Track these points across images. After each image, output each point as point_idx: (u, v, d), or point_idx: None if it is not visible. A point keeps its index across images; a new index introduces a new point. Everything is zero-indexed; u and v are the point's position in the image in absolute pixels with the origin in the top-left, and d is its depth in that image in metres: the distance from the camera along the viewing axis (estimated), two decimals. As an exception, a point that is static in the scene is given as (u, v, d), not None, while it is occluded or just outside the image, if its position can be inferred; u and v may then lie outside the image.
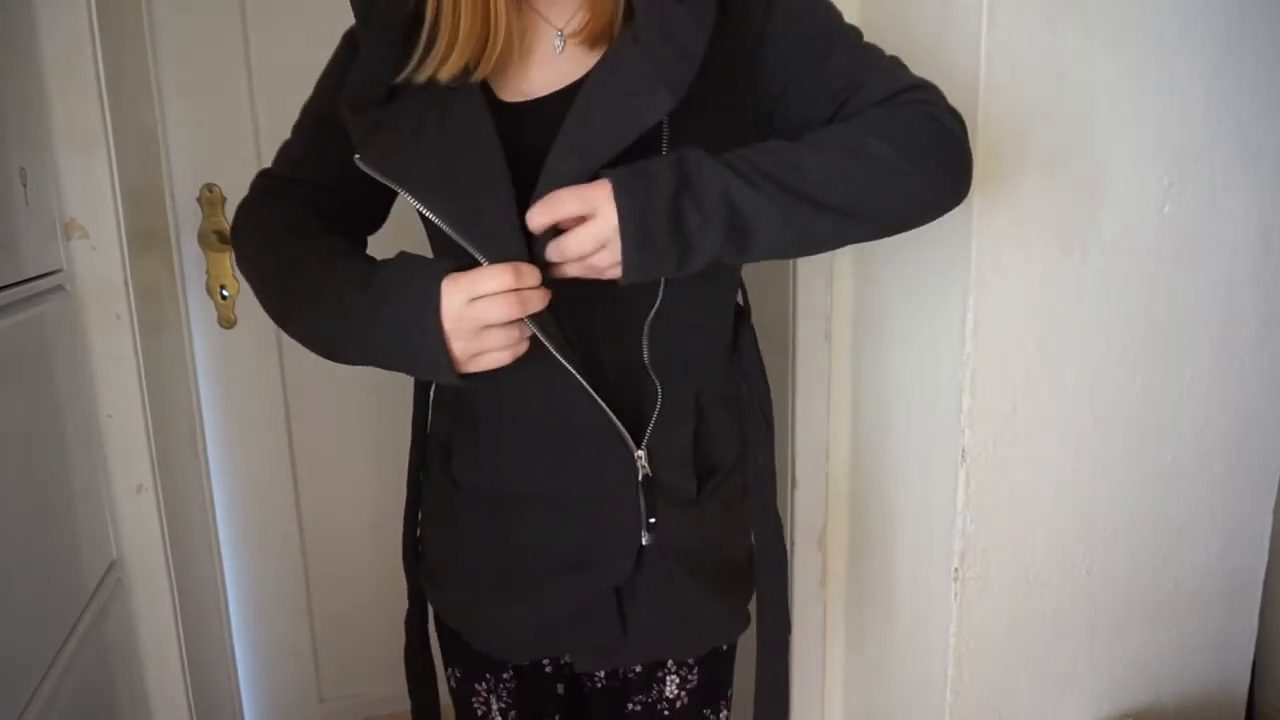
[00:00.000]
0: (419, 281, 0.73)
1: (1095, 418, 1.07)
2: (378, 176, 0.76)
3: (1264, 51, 1.02)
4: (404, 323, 0.73)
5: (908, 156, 0.73)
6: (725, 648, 1.00)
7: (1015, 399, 1.04)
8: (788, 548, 0.99)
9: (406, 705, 1.08)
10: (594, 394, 0.80)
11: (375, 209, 0.93)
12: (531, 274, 0.72)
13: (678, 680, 0.97)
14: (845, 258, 1.27)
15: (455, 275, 0.72)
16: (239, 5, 1.49)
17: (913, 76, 0.79)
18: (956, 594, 1.08)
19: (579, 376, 0.79)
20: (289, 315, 0.82)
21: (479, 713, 0.99)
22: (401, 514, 1.01)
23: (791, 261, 1.27)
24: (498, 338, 0.72)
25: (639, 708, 0.98)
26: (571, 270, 0.73)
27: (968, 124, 0.77)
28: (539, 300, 0.73)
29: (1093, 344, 1.05)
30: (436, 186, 0.75)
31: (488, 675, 0.98)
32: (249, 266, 0.86)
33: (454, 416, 0.92)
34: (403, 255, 0.77)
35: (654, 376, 0.85)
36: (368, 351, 0.77)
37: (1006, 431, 1.04)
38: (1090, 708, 1.17)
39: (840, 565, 1.38)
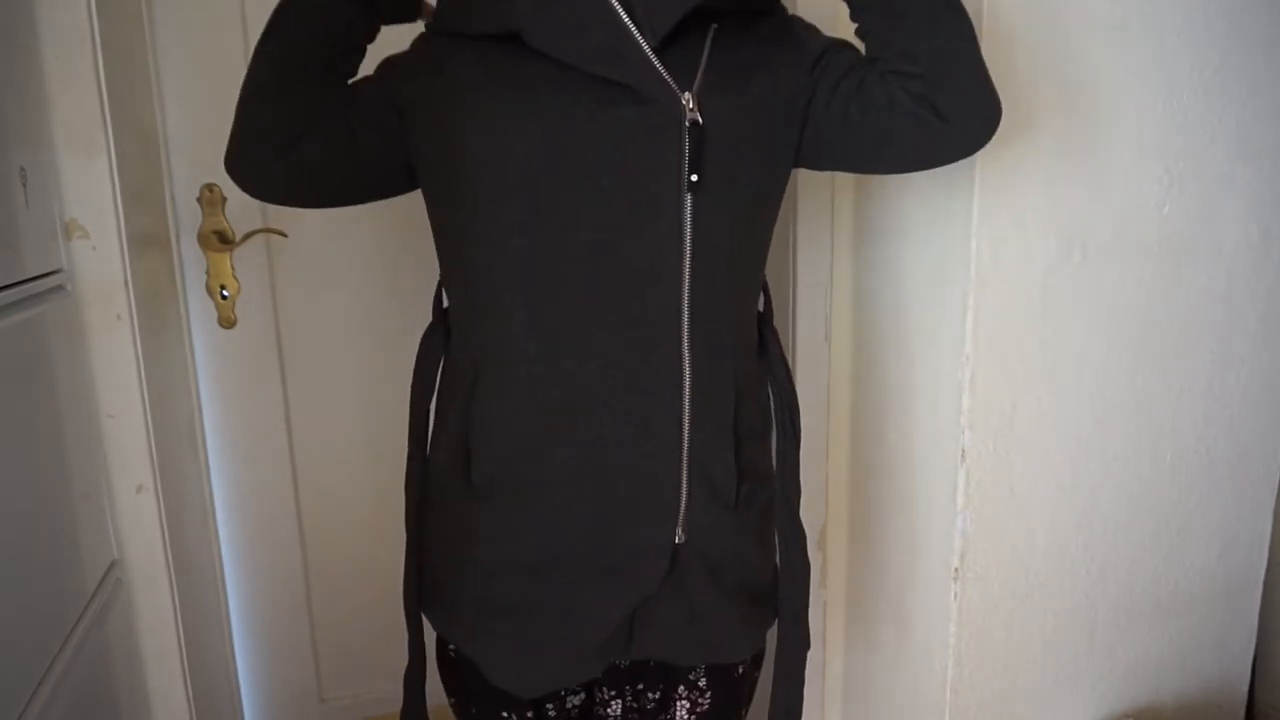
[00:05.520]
0: None
1: (1095, 418, 1.07)
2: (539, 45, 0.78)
3: (1264, 51, 1.02)
4: None
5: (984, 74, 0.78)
6: (740, 670, 0.97)
7: (1015, 399, 1.04)
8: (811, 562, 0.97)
9: (407, 705, 1.07)
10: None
11: (375, 164, 0.89)
12: None
13: (688, 705, 0.95)
14: (845, 258, 1.27)
15: None
16: (239, 5, 1.49)
17: None
18: (956, 594, 1.08)
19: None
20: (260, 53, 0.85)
21: None
22: (402, 514, 0.96)
23: (791, 262, 1.27)
24: None
25: None
26: None
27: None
28: None
29: (1093, 344, 1.05)
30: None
31: (504, 711, 0.93)
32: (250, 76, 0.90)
33: (472, 408, 0.85)
34: None
35: (686, 354, 0.82)
36: None
37: (1006, 431, 1.04)
38: (1090, 708, 1.17)
39: (840, 565, 1.38)
